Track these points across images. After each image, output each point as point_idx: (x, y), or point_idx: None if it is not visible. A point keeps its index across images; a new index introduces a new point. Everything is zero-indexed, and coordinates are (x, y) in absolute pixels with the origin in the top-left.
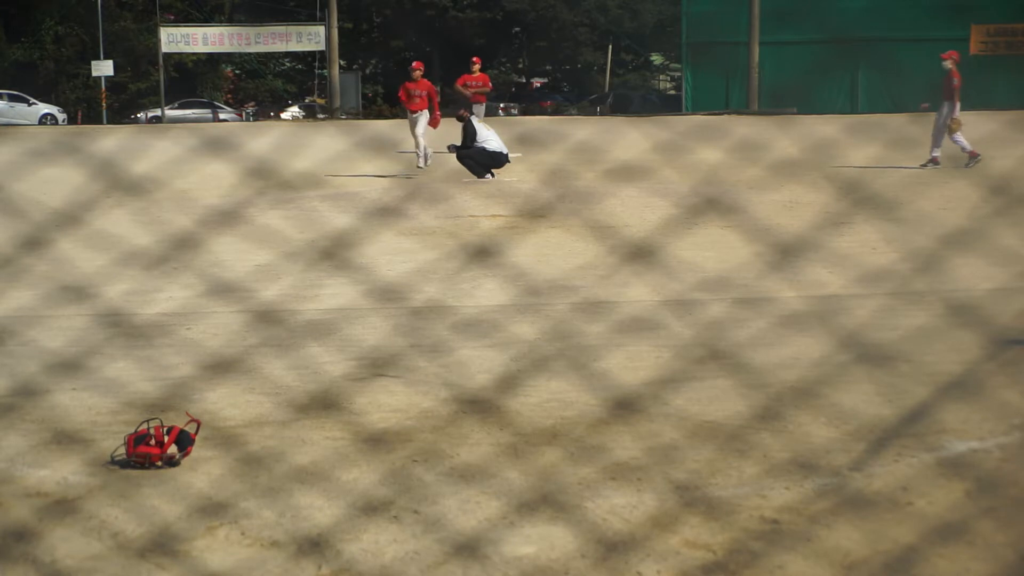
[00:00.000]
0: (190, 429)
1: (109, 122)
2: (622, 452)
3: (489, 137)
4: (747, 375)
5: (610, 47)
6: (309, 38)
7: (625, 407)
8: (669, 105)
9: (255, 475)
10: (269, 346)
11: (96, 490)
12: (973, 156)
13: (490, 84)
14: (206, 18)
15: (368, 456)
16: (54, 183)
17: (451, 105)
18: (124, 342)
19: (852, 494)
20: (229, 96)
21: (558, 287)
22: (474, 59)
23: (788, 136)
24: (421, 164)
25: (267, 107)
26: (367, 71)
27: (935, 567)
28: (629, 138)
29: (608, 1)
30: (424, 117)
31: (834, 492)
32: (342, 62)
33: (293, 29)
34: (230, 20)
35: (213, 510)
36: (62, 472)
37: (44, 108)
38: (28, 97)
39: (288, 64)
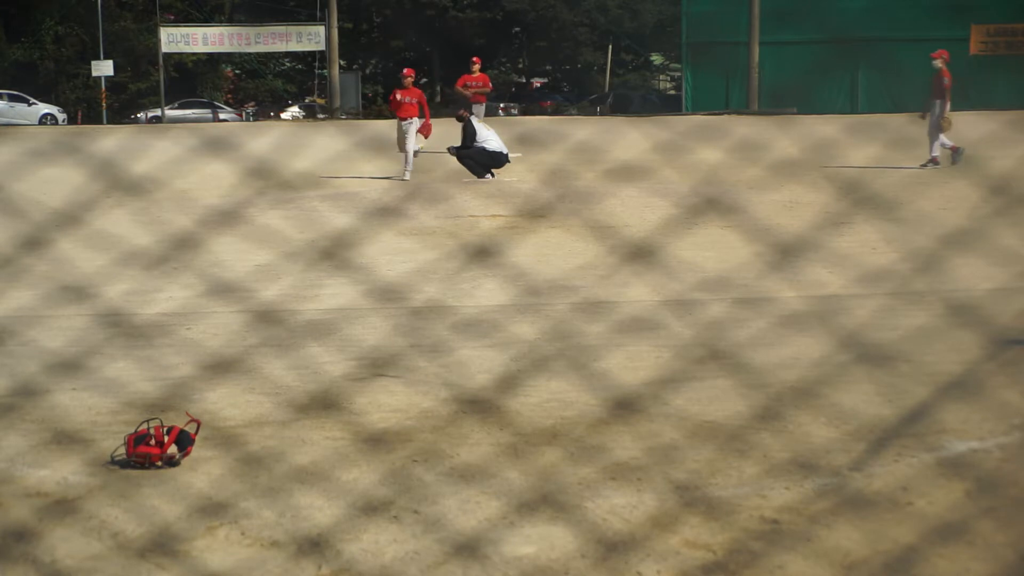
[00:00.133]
0: (190, 429)
1: (109, 122)
2: (622, 452)
3: (489, 137)
4: (747, 375)
5: (610, 47)
6: (309, 38)
7: (625, 407)
8: (669, 105)
9: (255, 475)
10: (269, 346)
11: (96, 490)
12: (955, 150)
13: (490, 84)
14: (206, 18)
15: (368, 456)
16: (54, 183)
17: (451, 105)
18: (124, 342)
19: (852, 494)
20: (229, 96)
21: (558, 287)
22: (474, 59)
23: (788, 136)
24: (407, 177)
25: (267, 107)
26: (367, 71)
27: (935, 567)
28: (629, 138)
29: (608, 1)
30: (414, 125)
31: (834, 492)
32: (342, 62)
33: (293, 29)
34: (230, 20)
35: (213, 510)
36: (62, 472)
37: (44, 108)
38: (28, 97)
39: (288, 64)
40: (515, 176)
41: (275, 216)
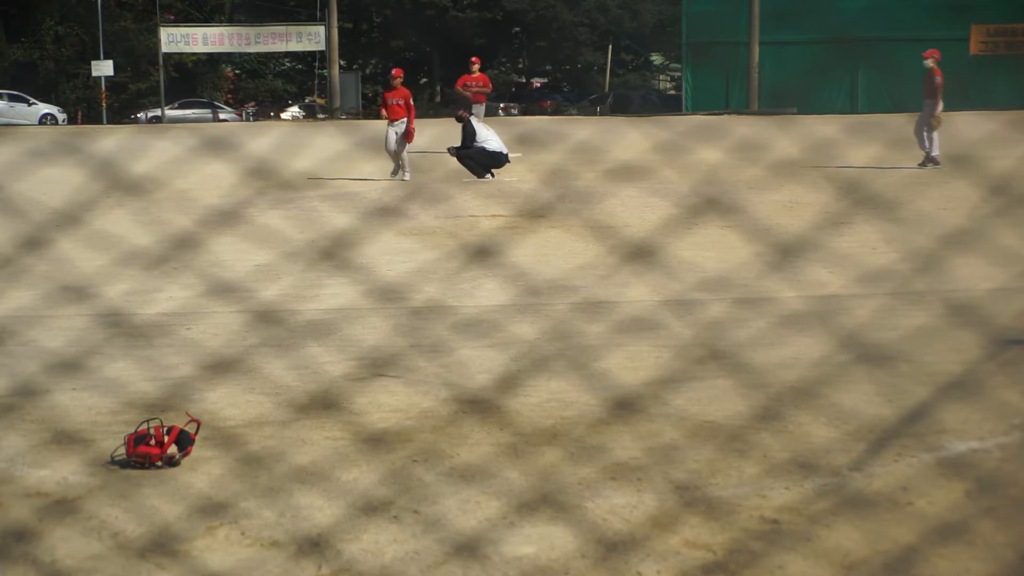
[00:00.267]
0: (190, 429)
1: (109, 122)
2: (622, 452)
3: (489, 137)
4: (747, 375)
5: (610, 47)
6: (309, 38)
7: (625, 407)
8: (669, 105)
9: (255, 475)
10: (269, 346)
11: (96, 490)
12: (932, 159)
13: (490, 84)
14: (206, 18)
15: (368, 456)
16: (54, 183)
17: (451, 105)
18: (124, 342)
19: (852, 494)
20: (229, 96)
21: (558, 287)
22: (473, 59)
23: (788, 136)
24: (407, 177)
25: (267, 107)
26: (367, 71)
27: (935, 567)
28: (629, 138)
29: (608, 1)
30: (404, 127)
31: (834, 492)
32: (342, 62)
33: (293, 29)
34: (230, 20)
35: (213, 510)
36: (62, 472)
37: (44, 108)
38: (28, 97)
39: (288, 64)
40: (515, 176)
41: (275, 216)
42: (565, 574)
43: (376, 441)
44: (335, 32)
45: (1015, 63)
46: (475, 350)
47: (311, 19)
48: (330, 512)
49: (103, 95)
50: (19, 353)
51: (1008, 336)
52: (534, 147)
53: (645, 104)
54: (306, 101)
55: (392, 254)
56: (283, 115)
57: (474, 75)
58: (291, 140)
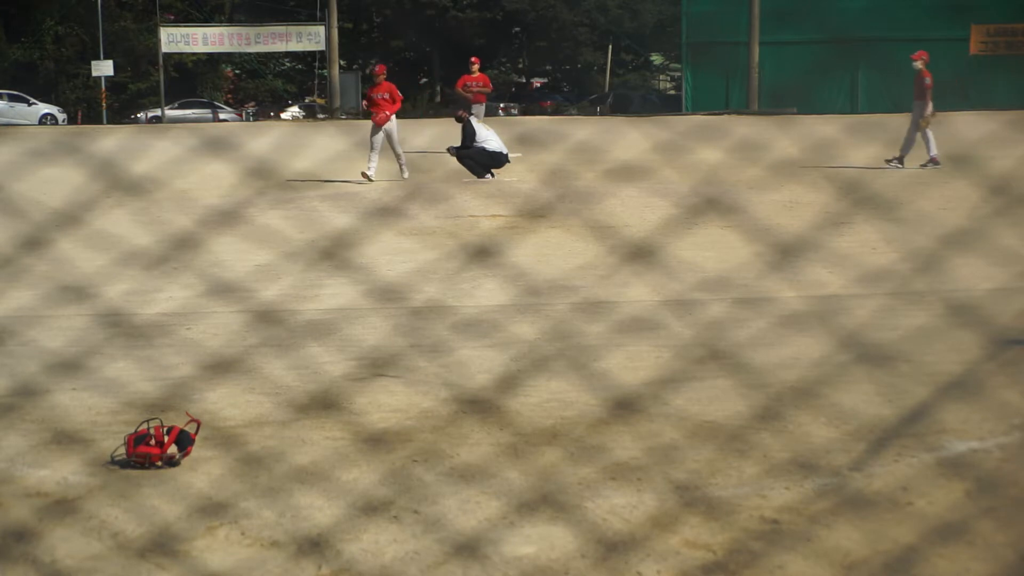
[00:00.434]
0: (190, 429)
1: (109, 122)
2: (622, 452)
3: (489, 137)
4: (747, 375)
5: (610, 47)
6: (309, 38)
7: (625, 407)
8: (669, 105)
9: (255, 475)
10: (269, 346)
11: (96, 490)
12: (900, 159)
13: (490, 84)
14: (206, 18)
15: (368, 456)
16: (54, 183)
17: (451, 105)
18: (124, 342)
19: (852, 494)
20: (229, 96)
21: (558, 287)
22: (473, 59)
23: (788, 136)
24: (406, 175)
25: (267, 107)
26: (367, 71)
27: (935, 567)
28: (629, 138)
29: (608, 1)
30: (394, 124)
31: (834, 492)
32: (342, 62)
33: (293, 29)
34: (230, 20)
35: (213, 510)
36: (62, 472)
37: (44, 108)
38: (28, 97)
39: (288, 64)
40: (515, 176)
41: (275, 216)
42: (565, 574)
43: (376, 441)
44: (335, 32)
45: (1015, 63)
46: (475, 350)
47: (311, 19)
48: (330, 512)
49: (103, 95)
50: (19, 353)
51: (1008, 336)
52: (534, 147)
53: (645, 104)
54: (306, 101)
55: (392, 254)
56: (283, 115)
57: (474, 75)
58: (291, 140)
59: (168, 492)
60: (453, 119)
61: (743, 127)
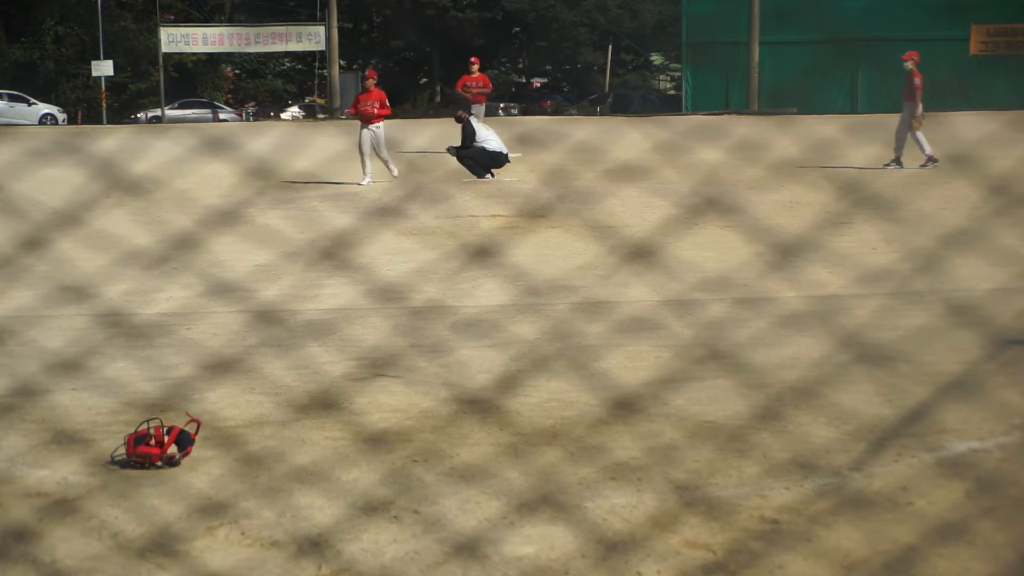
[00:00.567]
0: (190, 429)
1: (109, 122)
2: (622, 452)
3: (489, 137)
4: (747, 375)
5: (610, 47)
6: (309, 38)
7: (625, 407)
8: (669, 105)
9: (255, 475)
10: (269, 346)
11: (96, 490)
12: (896, 161)
13: (490, 84)
14: (206, 18)
15: (368, 456)
16: (54, 183)
17: (451, 105)
18: (124, 342)
19: (852, 494)
20: (229, 96)
21: (558, 287)
22: (473, 59)
23: (788, 136)
24: (395, 173)
25: (267, 107)
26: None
27: (935, 567)
28: (629, 138)
29: (608, 1)
30: (382, 129)
31: (834, 492)
32: (342, 62)
33: (293, 29)
34: (230, 20)
35: (213, 510)
36: (62, 472)
37: (44, 108)
38: (28, 97)
39: (288, 64)
40: (515, 176)
41: (275, 216)
42: (565, 574)
43: (376, 441)
44: (335, 32)
45: (1015, 63)
46: (475, 350)
47: (311, 19)
48: (330, 512)
49: (103, 95)
50: (19, 353)
51: (1008, 336)
52: (534, 147)
53: (645, 104)
54: (306, 101)
55: (392, 254)
56: (283, 115)
57: (474, 75)
58: (291, 140)
59: (168, 492)
60: (453, 119)
61: (743, 127)
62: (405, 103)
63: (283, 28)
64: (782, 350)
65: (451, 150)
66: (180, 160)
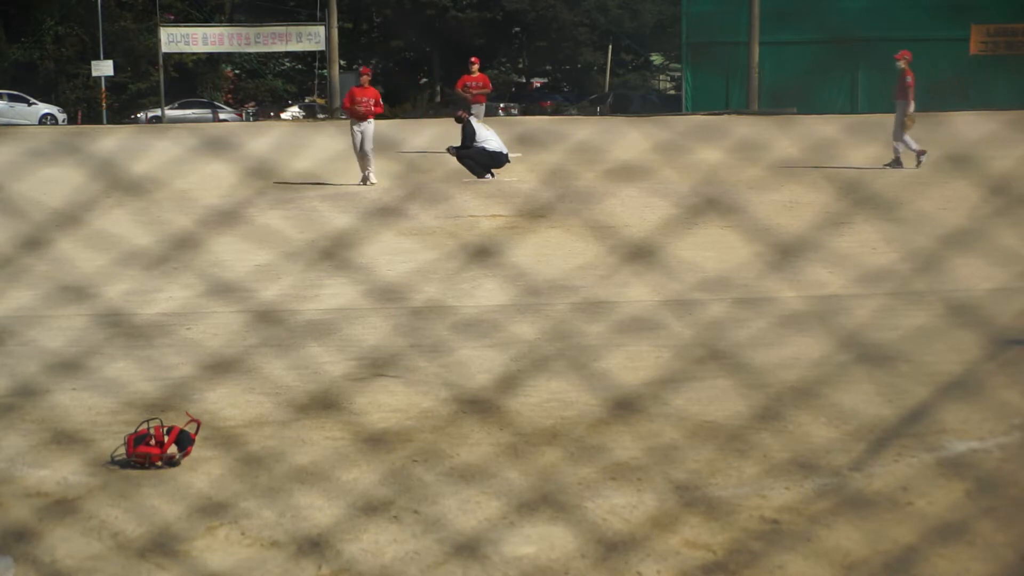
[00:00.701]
0: (190, 429)
1: (109, 122)
2: (622, 452)
3: (489, 137)
4: (747, 375)
5: (610, 47)
6: (309, 38)
7: (625, 407)
8: (669, 105)
9: (255, 475)
10: (269, 346)
11: (96, 490)
12: (896, 161)
13: (490, 84)
14: (206, 18)
15: (368, 456)
16: (54, 183)
17: (451, 106)
18: (124, 342)
19: (852, 494)
20: (229, 96)
21: (558, 287)
22: (473, 59)
23: (788, 136)
24: (373, 180)
25: (267, 107)
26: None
27: (935, 567)
28: (629, 138)
29: (608, 1)
30: (372, 126)
31: (834, 492)
32: (342, 62)
33: (293, 29)
34: (230, 20)
35: (213, 510)
36: (62, 472)
37: (44, 108)
38: (28, 97)
39: (288, 64)
40: (515, 176)
41: (275, 216)
42: (565, 574)
43: (376, 441)
44: (335, 32)
45: (1015, 63)
46: (475, 350)
47: (311, 19)
48: (330, 512)
49: (103, 95)
50: (19, 353)
51: (1008, 336)
52: (534, 147)
53: (645, 104)
54: (306, 101)
55: (392, 254)
56: (283, 115)
57: (474, 75)
58: (291, 140)
59: (168, 492)
60: (453, 119)
61: (743, 127)
62: (405, 103)
63: (283, 28)
64: (782, 350)
65: (451, 150)
66: (180, 160)
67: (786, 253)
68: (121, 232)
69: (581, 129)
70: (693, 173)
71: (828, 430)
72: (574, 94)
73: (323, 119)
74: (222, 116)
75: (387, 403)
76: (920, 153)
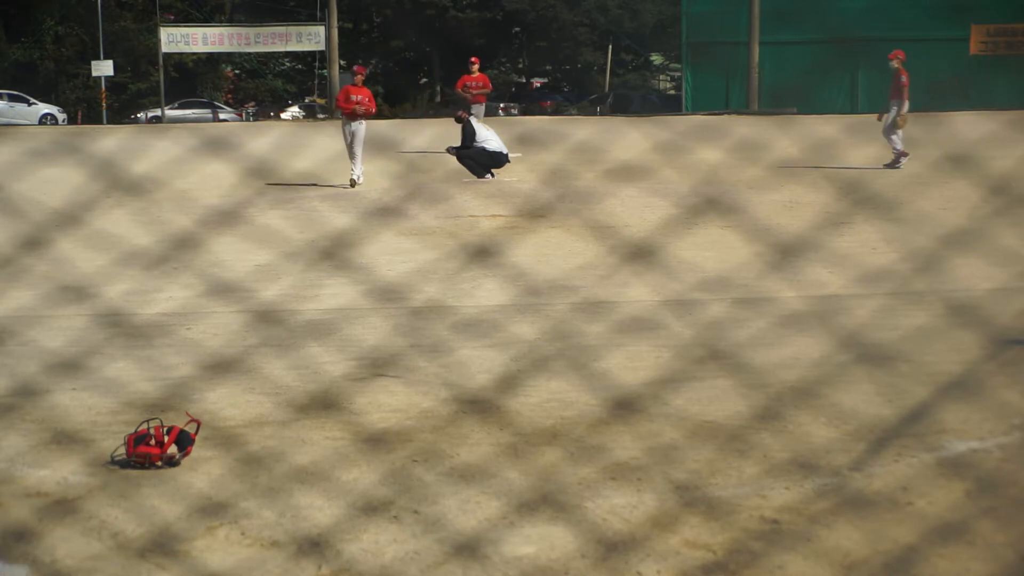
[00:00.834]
0: (190, 429)
1: (109, 122)
2: (622, 452)
3: (489, 137)
4: (747, 375)
5: (610, 47)
6: (309, 38)
7: (625, 407)
8: (669, 105)
9: (255, 475)
10: (269, 346)
11: (96, 490)
12: (902, 155)
13: (490, 84)
14: (206, 18)
15: (368, 456)
16: (54, 183)
17: (451, 106)
18: (124, 342)
19: (852, 494)
20: (229, 96)
21: (558, 287)
22: (473, 59)
23: (788, 136)
24: (359, 180)
25: (267, 107)
26: (367, 71)
27: (935, 567)
28: (629, 138)
29: (608, 1)
30: (363, 126)
31: (834, 492)
32: (342, 62)
33: (293, 29)
34: (230, 20)
35: (213, 510)
36: (62, 472)
37: (44, 108)
38: (28, 97)
39: (288, 64)
40: (515, 176)
41: (275, 216)
42: (565, 574)
43: (376, 441)
44: (335, 32)
45: (1015, 63)
46: (475, 350)
47: (311, 19)
48: (330, 512)
49: (103, 95)
50: (19, 353)
51: (1008, 336)
52: (534, 147)
53: (645, 104)
54: (306, 101)
55: (392, 254)
56: (283, 115)
57: (474, 75)
58: (291, 140)
59: (168, 492)
60: (453, 119)
61: (743, 127)
62: (405, 103)
63: (283, 28)
64: (782, 350)
65: (451, 150)
66: (180, 160)
67: (786, 253)
68: (121, 232)
69: (581, 129)
70: (693, 173)
71: (828, 430)
72: (574, 94)
73: (323, 119)
74: (222, 116)
75: (387, 403)
76: (902, 154)
